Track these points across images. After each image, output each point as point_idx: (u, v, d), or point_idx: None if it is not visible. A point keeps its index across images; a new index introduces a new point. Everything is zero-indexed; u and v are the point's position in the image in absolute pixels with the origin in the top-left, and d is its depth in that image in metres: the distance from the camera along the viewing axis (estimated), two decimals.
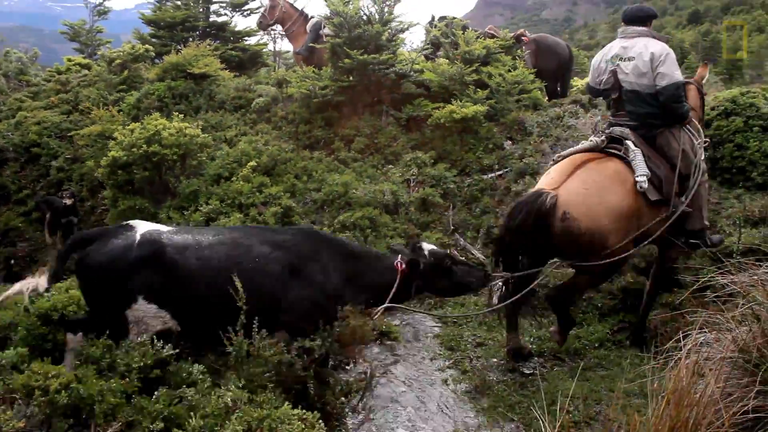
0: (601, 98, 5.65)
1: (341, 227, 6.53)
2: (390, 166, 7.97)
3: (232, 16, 14.46)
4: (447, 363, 4.83)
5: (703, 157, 4.77)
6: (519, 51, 10.42)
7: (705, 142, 4.89)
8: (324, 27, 9.95)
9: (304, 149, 8.62)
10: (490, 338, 5.23)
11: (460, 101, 8.53)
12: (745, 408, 2.52)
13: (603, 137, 4.69)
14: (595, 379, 4.38)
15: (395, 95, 9.35)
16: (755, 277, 2.94)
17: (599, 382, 4.30)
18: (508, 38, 10.53)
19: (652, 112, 4.64)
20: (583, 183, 4.35)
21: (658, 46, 4.60)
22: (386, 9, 8.99)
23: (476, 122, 8.50)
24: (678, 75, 4.55)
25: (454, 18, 10.64)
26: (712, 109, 7.32)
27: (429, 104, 9.00)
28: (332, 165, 8.08)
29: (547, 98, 10.44)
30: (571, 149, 4.88)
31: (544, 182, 4.53)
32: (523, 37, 10.79)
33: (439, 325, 5.57)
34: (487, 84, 9.12)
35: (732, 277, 2.98)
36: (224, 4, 14.29)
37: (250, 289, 3.48)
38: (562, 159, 4.73)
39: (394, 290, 3.99)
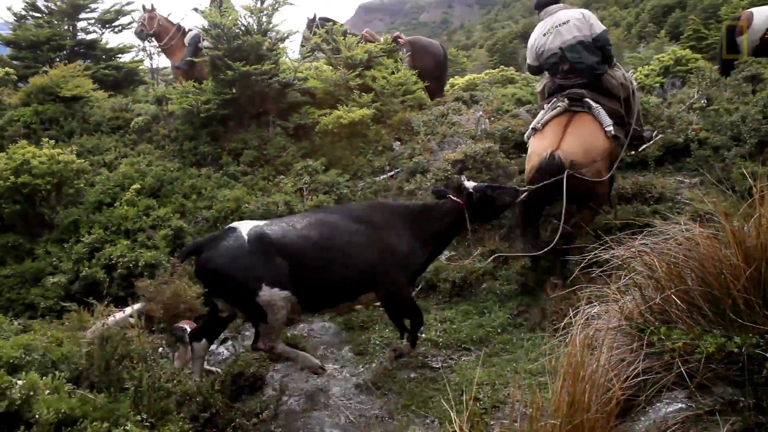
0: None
1: None
2: (281, 176, 7.86)
3: (102, 33, 13.76)
4: (358, 369, 4.82)
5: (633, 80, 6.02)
6: (399, 54, 10.62)
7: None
8: (203, 40, 9.66)
9: (191, 167, 8.33)
10: (397, 338, 5.28)
11: (347, 106, 8.58)
12: (636, 371, 2.69)
13: (565, 101, 5.53)
14: (501, 364, 4.50)
15: (281, 105, 9.25)
16: (632, 249, 3.15)
17: (505, 366, 4.41)
18: (389, 42, 10.71)
19: (596, 60, 5.59)
20: (575, 137, 5.35)
21: (581, 9, 6.05)
22: (264, 19, 8.87)
23: (364, 126, 8.58)
24: (602, 25, 5.75)
25: (335, 23, 10.61)
26: None
27: (316, 111, 8.99)
28: (222, 180, 7.86)
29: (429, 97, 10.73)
30: (546, 116, 5.64)
31: (544, 145, 5.36)
32: (399, 39, 11.03)
33: (347, 331, 5.56)
34: (372, 87, 9.24)
35: (613, 251, 3.18)
36: (92, 21, 13.56)
37: (346, 259, 4.29)
38: (543, 126, 5.62)
39: (468, 222, 4.75)
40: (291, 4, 9.00)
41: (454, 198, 4.80)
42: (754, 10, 9.75)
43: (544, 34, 5.78)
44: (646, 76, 12.92)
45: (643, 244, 3.28)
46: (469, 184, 4.83)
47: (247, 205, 6.83)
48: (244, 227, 4.23)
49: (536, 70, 6.29)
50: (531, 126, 5.84)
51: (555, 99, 5.67)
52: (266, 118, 9.04)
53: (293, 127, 8.93)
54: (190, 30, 10.65)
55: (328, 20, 11.03)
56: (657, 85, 10.83)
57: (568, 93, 5.58)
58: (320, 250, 4.26)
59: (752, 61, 8.50)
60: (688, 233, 3.21)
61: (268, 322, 4.07)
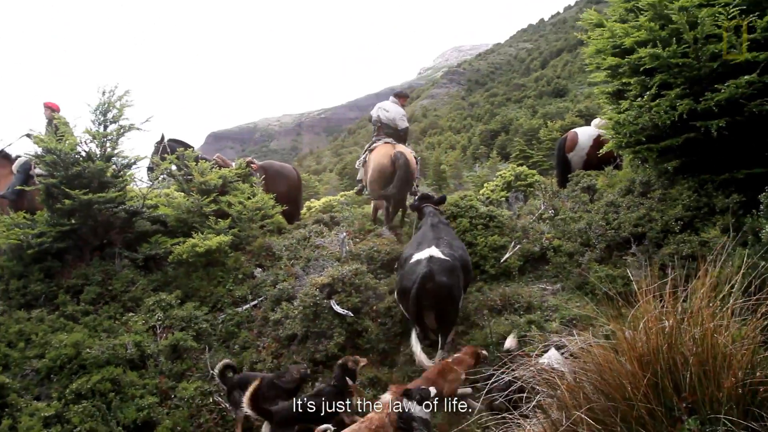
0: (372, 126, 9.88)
1: (75, 397, 5.42)
2: (130, 314, 7.02)
3: None
4: None
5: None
6: (254, 178, 10.42)
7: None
8: (34, 167, 8.77)
9: (19, 309, 7.20)
10: None
11: (202, 234, 8.08)
12: None
13: (383, 140, 9.25)
14: None
15: (128, 235, 8.52)
16: (531, 369, 3.00)
17: None
18: (243, 166, 10.49)
19: (394, 135, 9.44)
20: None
21: (401, 110, 9.69)
22: (108, 144, 8.30)
23: (222, 253, 8.10)
24: (406, 124, 9.65)
25: (186, 147, 10.11)
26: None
27: (168, 240, 8.36)
28: (58, 323, 6.82)
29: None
30: (377, 143, 9.35)
31: (383, 153, 8.96)
32: (251, 164, 10.85)
33: None
34: (228, 213, 8.86)
35: (514, 372, 3.01)
36: None
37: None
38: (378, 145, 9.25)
39: None
40: (138, 129, 8.54)
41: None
42: (578, 130, 10.99)
43: (377, 108, 9.77)
44: (492, 191, 13.86)
45: (540, 362, 3.16)
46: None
47: (88, 350, 5.93)
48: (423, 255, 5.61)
49: (374, 124, 9.81)
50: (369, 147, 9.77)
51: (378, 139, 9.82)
52: (111, 250, 8.22)
53: (143, 258, 8.17)
54: (18, 156, 9.66)
55: (179, 143, 10.49)
56: (503, 199, 11.60)
57: (381, 138, 9.47)
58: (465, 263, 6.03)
59: (584, 174, 9.36)
60: (583, 344, 3.14)
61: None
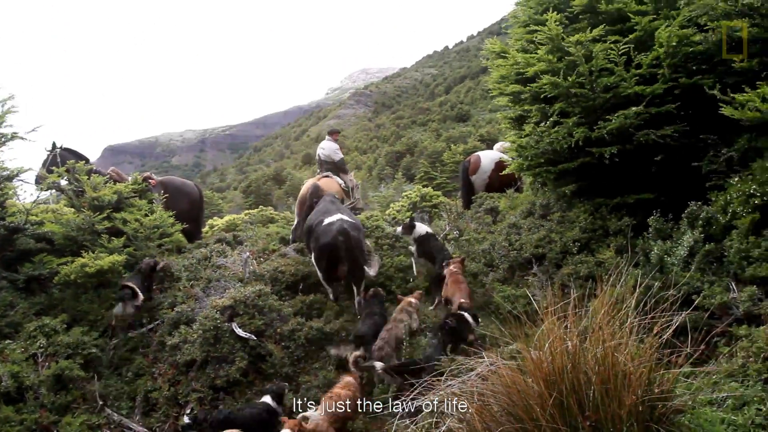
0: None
1: None
2: (8, 341, 6.36)
3: None
4: None
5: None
6: (152, 194, 9.89)
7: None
8: None
9: None
10: None
11: (93, 252, 7.54)
12: None
13: (323, 175, 10.63)
14: None
15: (8, 253, 7.79)
16: (441, 393, 2.96)
17: None
18: (139, 181, 9.94)
19: (332, 169, 10.79)
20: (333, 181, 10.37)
21: (334, 145, 10.98)
22: None
23: (115, 274, 7.58)
24: (341, 156, 10.91)
25: (80, 159, 9.35)
26: None
27: (54, 260, 7.73)
28: None
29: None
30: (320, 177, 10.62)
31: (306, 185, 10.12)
32: (150, 180, 10.30)
33: None
34: (123, 231, 8.34)
35: (424, 397, 2.95)
36: None
37: None
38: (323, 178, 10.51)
39: None
40: (23, 139, 7.88)
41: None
42: (481, 154, 11.32)
43: (319, 148, 11.19)
44: (398, 211, 13.97)
45: (449, 385, 3.12)
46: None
47: None
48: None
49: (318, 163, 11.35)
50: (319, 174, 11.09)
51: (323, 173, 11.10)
52: None
53: (24, 279, 7.46)
54: None
55: (72, 152, 9.70)
56: (407, 219, 11.69)
57: (324, 173, 10.91)
58: None
59: (487, 196, 9.63)
60: (492, 366, 3.14)
61: None
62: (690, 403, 3.12)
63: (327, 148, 10.97)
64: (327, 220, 7.07)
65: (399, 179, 42.38)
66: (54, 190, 9.04)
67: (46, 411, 5.48)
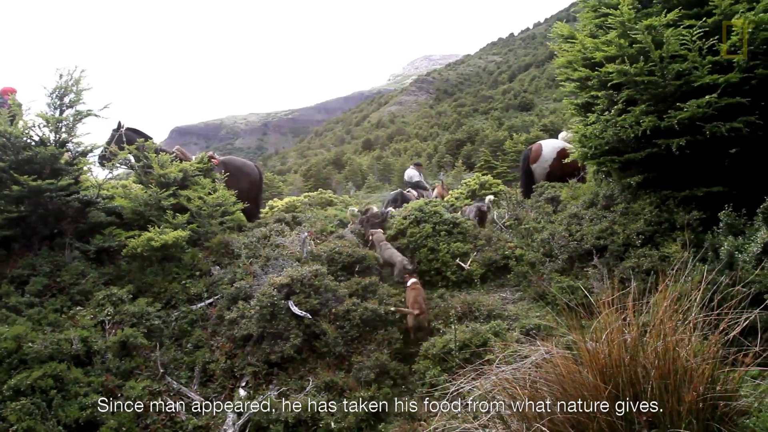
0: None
1: (14, 394, 5.12)
2: (78, 307, 6.71)
3: None
4: None
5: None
6: (216, 173, 10.17)
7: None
8: None
9: None
10: None
11: (159, 227, 7.82)
12: None
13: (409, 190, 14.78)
14: None
15: (81, 225, 8.17)
16: (493, 379, 2.92)
17: None
18: (205, 160, 10.24)
19: (413, 187, 15.70)
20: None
21: (413, 171, 16.85)
22: (63, 129, 7.96)
23: (178, 249, 7.85)
24: (416, 179, 16.33)
25: (147, 138, 9.76)
26: (405, 218, 7.92)
27: (123, 233, 8.07)
28: None
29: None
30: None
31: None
32: (212, 159, 10.59)
33: None
34: (187, 208, 8.61)
35: (475, 382, 2.93)
36: None
37: None
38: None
39: None
40: (96, 115, 8.21)
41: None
42: (543, 142, 11.09)
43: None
44: (456, 198, 13.87)
45: (501, 371, 3.09)
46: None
47: (30, 344, 5.62)
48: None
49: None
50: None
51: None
52: (62, 240, 7.86)
53: (95, 250, 7.84)
54: None
55: (137, 132, 10.12)
56: (466, 206, 11.61)
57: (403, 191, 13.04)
58: None
59: (548, 186, 9.42)
60: (546, 355, 3.09)
61: None
62: (756, 405, 2.97)
63: (406, 173, 17.07)
64: None
65: (459, 167, 42.03)
66: (120, 166, 9.42)
67: (112, 375, 5.74)
